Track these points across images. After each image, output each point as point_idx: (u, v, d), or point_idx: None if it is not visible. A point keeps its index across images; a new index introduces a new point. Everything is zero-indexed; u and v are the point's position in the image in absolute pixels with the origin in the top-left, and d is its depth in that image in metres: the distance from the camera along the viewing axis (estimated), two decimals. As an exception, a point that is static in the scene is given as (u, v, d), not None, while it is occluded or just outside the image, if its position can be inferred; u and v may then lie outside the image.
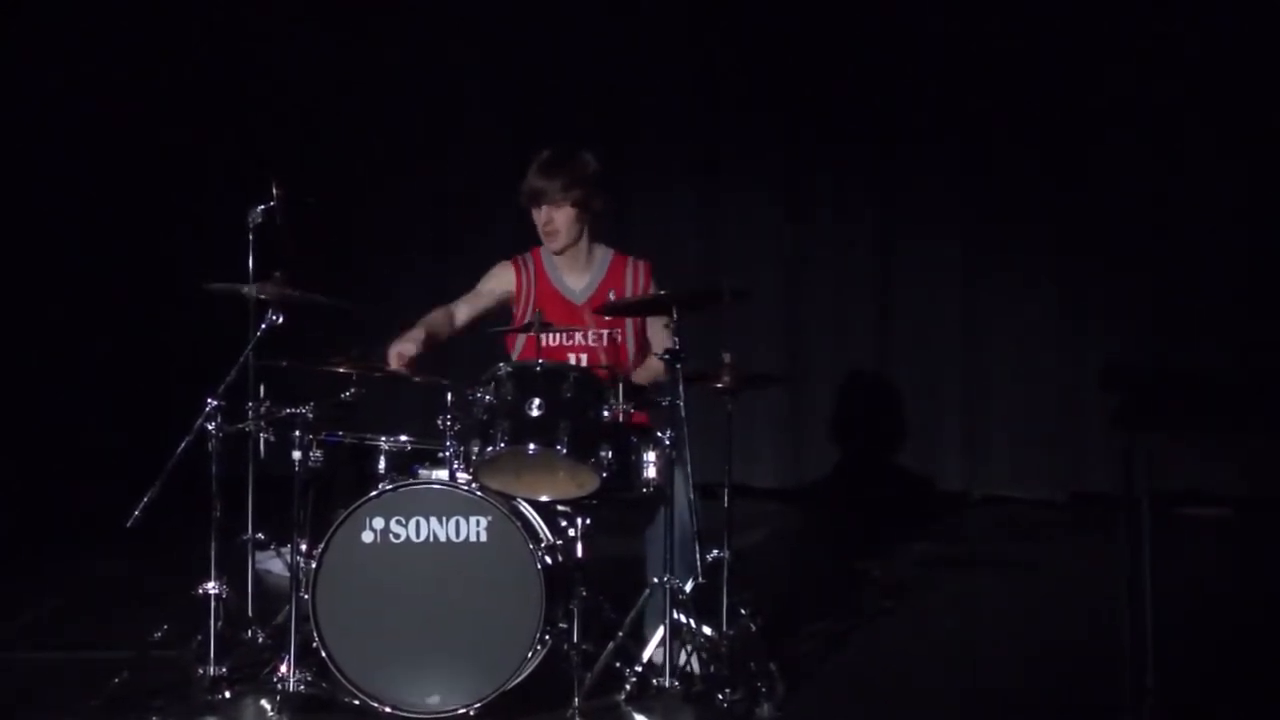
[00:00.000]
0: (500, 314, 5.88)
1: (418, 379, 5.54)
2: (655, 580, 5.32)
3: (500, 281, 5.85)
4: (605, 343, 5.72)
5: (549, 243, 5.76)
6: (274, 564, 6.09)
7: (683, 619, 5.28)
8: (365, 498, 5.18)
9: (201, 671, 5.34)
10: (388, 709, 5.11)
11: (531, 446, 5.19)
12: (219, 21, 9.38)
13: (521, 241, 5.96)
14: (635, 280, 5.79)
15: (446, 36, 9.42)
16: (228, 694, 5.30)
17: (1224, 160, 8.81)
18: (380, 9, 9.46)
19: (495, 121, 9.28)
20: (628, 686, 5.24)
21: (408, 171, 9.45)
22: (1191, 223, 8.88)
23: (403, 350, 5.52)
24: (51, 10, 9.17)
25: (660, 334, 5.71)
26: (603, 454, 5.21)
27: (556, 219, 5.71)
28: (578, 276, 5.80)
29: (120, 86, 9.27)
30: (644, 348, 5.80)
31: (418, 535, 5.17)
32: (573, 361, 5.64)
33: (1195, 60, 8.87)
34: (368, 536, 5.17)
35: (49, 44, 9.19)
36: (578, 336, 5.69)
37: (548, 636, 5.18)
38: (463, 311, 5.81)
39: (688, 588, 5.31)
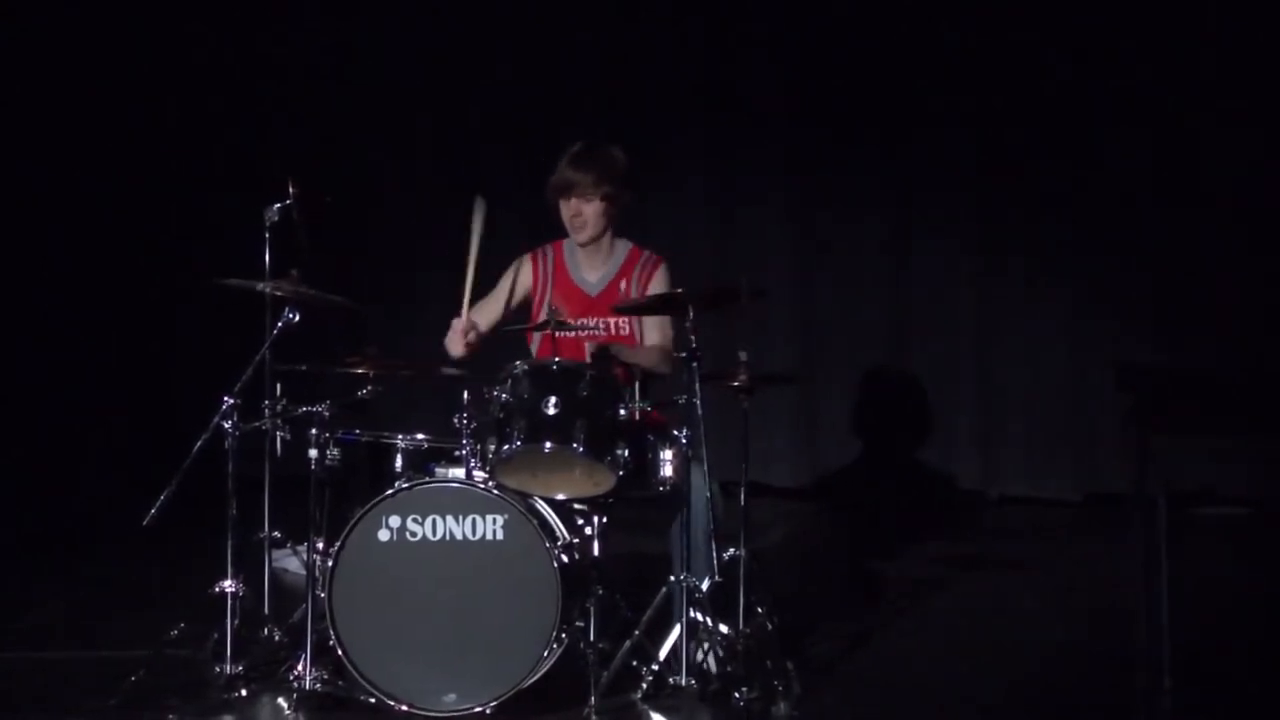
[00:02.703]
0: (523, 310, 5.89)
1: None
2: (672, 578, 5.32)
3: (519, 278, 5.86)
4: (614, 333, 5.74)
5: (576, 235, 5.77)
6: (290, 562, 6.11)
7: (700, 617, 5.28)
8: (382, 496, 5.19)
9: (218, 670, 5.35)
10: (404, 707, 5.12)
11: (548, 445, 5.19)
12: (234, 17, 9.37)
13: (534, 238, 5.95)
14: (640, 277, 5.79)
15: (459, 36, 9.41)
16: (244, 692, 5.31)
17: (1240, 159, 8.80)
18: (393, 7, 9.46)
19: (508, 119, 9.28)
20: (644, 685, 5.25)
21: (420, 169, 9.44)
22: (1209, 222, 8.87)
23: (462, 333, 5.60)
24: (65, 5, 9.16)
25: (652, 330, 5.72)
26: (619, 452, 5.21)
27: (585, 211, 5.72)
28: (595, 269, 5.81)
29: (134, 82, 9.26)
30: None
31: (434, 534, 5.17)
32: (588, 355, 5.65)
33: (1207, 61, 8.87)
34: (384, 535, 5.17)
35: (59, 39, 9.17)
36: (592, 330, 5.71)
37: (564, 635, 5.18)
38: (484, 316, 5.81)
39: (705, 586, 5.31)
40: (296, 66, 9.37)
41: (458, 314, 5.69)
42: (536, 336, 5.78)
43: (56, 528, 8.16)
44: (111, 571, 7.15)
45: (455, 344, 5.69)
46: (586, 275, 5.82)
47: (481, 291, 5.80)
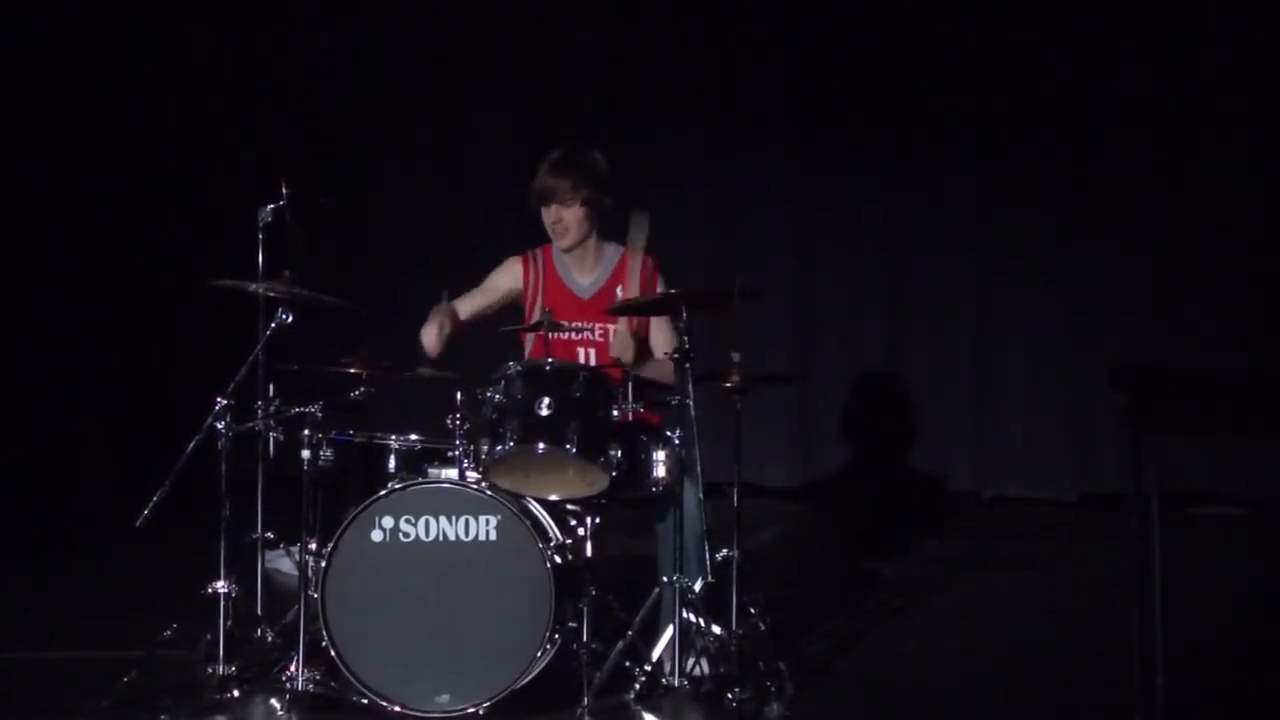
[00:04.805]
0: (507, 310, 5.89)
1: (428, 371, 5.56)
2: (665, 579, 5.32)
3: (507, 277, 5.87)
4: (613, 338, 5.73)
5: (559, 241, 5.77)
6: (283, 563, 6.11)
7: (692, 618, 5.28)
8: (375, 497, 5.19)
9: (210, 670, 5.35)
10: (397, 708, 5.12)
11: (541, 445, 5.19)
12: (233, 17, 9.37)
13: (528, 240, 5.96)
14: (642, 275, 5.79)
15: (459, 36, 9.41)
16: (237, 693, 5.30)
17: (1238, 158, 8.79)
18: (393, 7, 9.46)
19: (503, 121, 9.27)
20: (637, 685, 5.24)
21: (415, 171, 9.44)
22: (1206, 222, 8.86)
23: (435, 328, 5.59)
24: (65, 5, 9.16)
25: (661, 334, 5.72)
26: (612, 453, 5.22)
27: (566, 217, 5.73)
28: (586, 273, 5.82)
29: (134, 82, 9.27)
30: (646, 344, 5.81)
31: (427, 534, 5.17)
32: (582, 357, 5.66)
33: (1207, 61, 8.85)
34: (377, 535, 5.17)
35: (59, 39, 9.17)
36: (586, 332, 5.71)
37: (557, 635, 5.18)
38: (465, 306, 5.82)
39: (697, 587, 5.31)
40: (296, 66, 9.36)
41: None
42: (530, 338, 5.78)
43: (56, 528, 8.16)
44: (111, 571, 7.15)
45: (430, 335, 5.67)
46: (578, 279, 5.82)
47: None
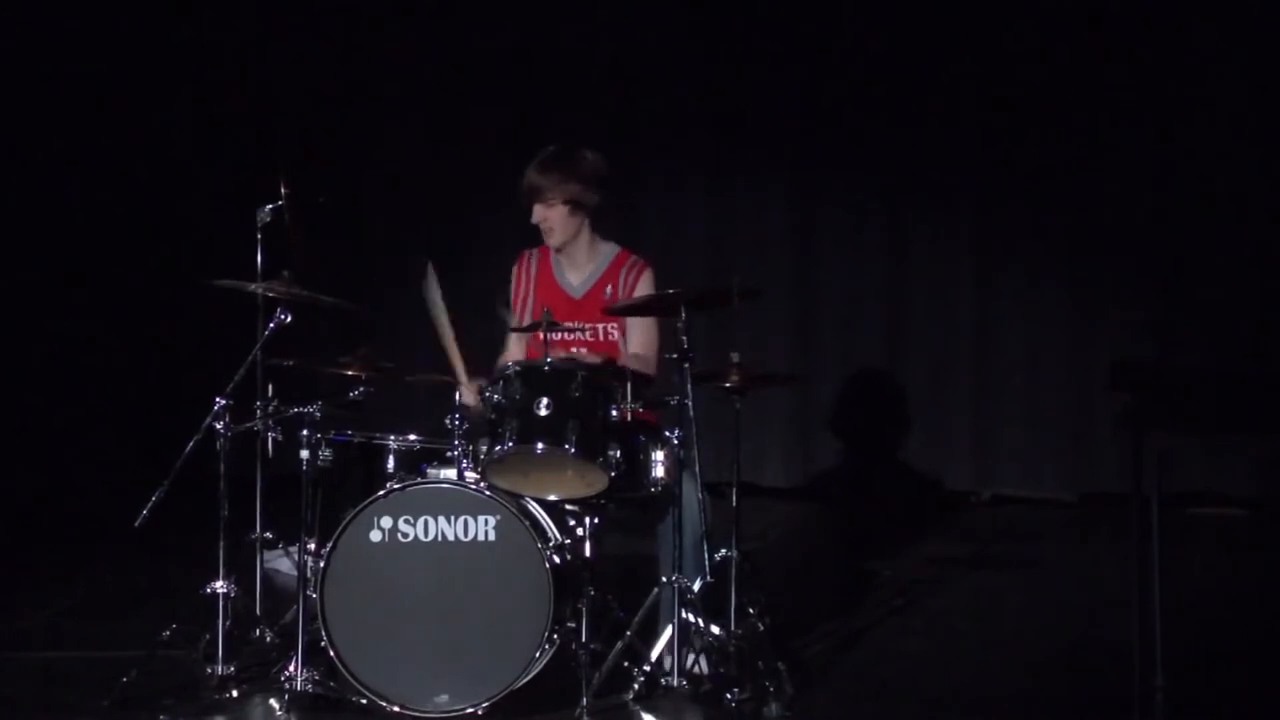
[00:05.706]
0: None
1: (426, 376, 5.57)
2: (664, 579, 5.32)
3: (512, 279, 5.88)
4: (601, 337, 5.73)
5: (546, 239, 5.79)
6: (282, 563, 6.11)
7: (691, 618, 5.28)
8: (373, 497, 5.19)
9: (210, 671, 5.36)
10: (396, 708, 5.12)
11: (540, 446, 5.19)
12: (227, 18, 9.37)
13: (528, 240, 5.96)
14: (626, 280, 5.77)
15: (460, 35, 9.40)
16: (235, 693, 5.31)
17: (1238, 157, 8.78)
18: (393, 6, 9.46)
19: (502, 120, 9.27)
20: (636, 686, 5.24)
21: (414, 171, 9.44)
22: (1206, 220, 8.84)
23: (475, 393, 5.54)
24: (60, 6, 9.17)
25: (635, 335, 5.70)
26: (611, 453, 5.21)
27: (550, 216, 5.72)
28: (578, 272, 5.81)
29: (132, 82, 9.27)
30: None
31: (426, 534, 5.17)
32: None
33: (1208, 61, 8.85)
34: (376, 535, 5.17)
35: (57, 38, 9.18)
36: (579, 333, 5.71)
37: (556, 636, 5.18)
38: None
39: (696, 587, 5.30)
40: (297, 66, 9.36)
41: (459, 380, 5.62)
42: (524, 339, 5.77)
43: (56, 528, 8.16)
44: (111, 571, 7.15)
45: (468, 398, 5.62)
46: (570, 278, 5.81)
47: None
